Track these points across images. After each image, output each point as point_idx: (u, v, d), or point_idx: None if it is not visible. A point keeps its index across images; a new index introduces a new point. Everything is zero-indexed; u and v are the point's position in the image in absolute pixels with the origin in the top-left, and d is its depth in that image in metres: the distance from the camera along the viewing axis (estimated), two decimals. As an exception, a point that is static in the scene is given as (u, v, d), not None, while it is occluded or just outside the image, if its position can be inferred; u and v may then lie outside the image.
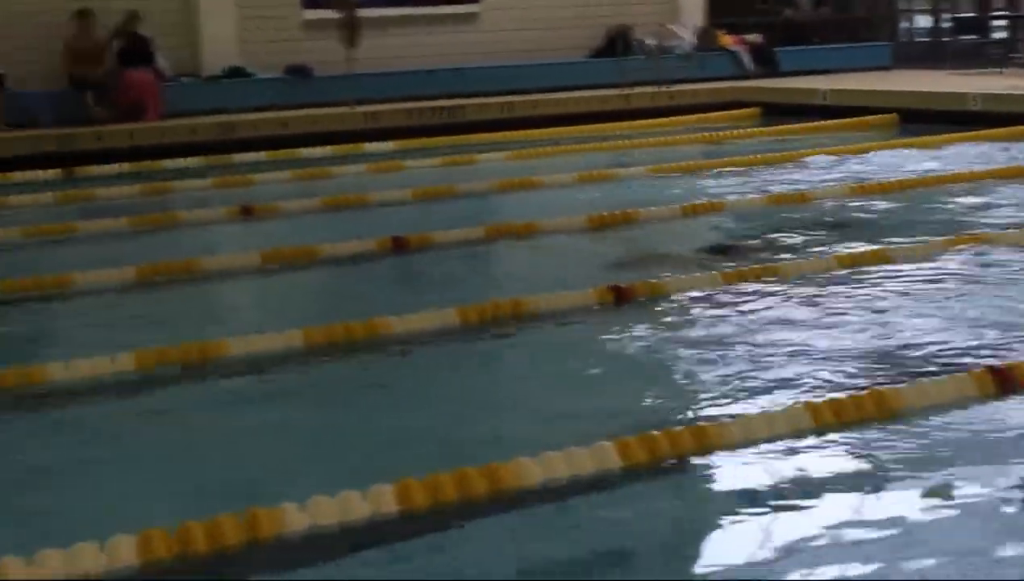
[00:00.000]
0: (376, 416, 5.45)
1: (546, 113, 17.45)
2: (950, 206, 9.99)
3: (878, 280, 7.40)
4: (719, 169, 12.44)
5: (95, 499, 4.57)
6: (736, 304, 6.99)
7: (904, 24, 24.28)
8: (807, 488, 4.41)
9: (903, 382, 5.36)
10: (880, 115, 15.92)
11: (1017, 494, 4.28)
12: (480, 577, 3.85)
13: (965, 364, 5.62)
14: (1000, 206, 9.81)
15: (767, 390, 5.43)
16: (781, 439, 4.77)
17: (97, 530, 3.96)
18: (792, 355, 5.95)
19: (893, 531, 4.02)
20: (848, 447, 4.77)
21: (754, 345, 6.13)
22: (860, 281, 7.40)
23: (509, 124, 16.76)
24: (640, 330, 6.58)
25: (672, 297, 7.16)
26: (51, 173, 13.76)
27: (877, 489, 4.40)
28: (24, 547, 3.84)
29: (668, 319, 6.79)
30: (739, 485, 4.48)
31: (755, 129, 16.16)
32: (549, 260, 8.24)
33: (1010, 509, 4.18)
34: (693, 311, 6.90)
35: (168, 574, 3.87)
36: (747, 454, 4.67)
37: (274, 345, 6.35)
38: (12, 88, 16.63)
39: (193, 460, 4.99)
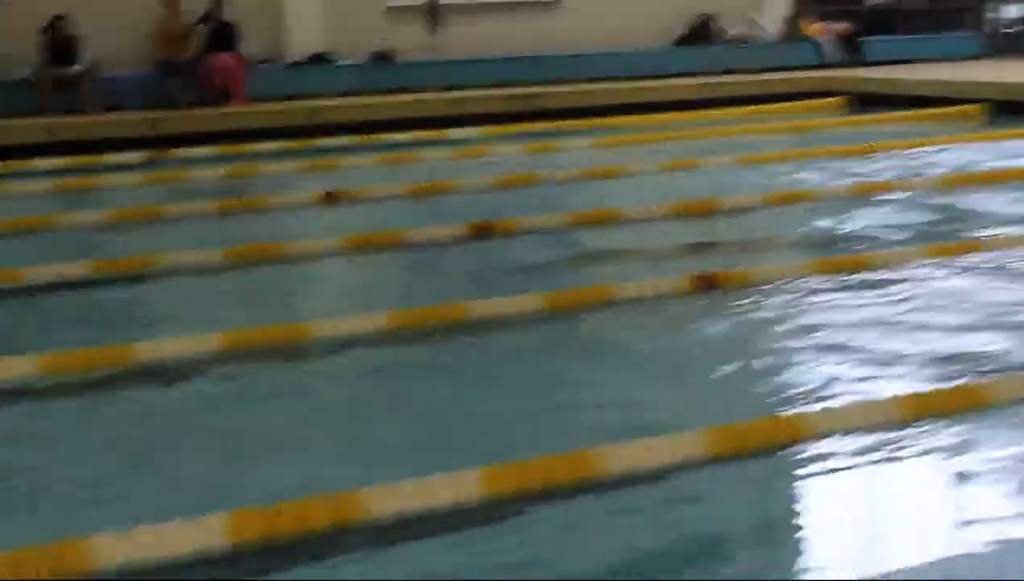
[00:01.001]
0: (460, 401, 5.46)
1: (628, 101, 17.41)
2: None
3: (969, 269, 7.32)
4: (803, 158, 12.33)
5: (189, 478, 4.63)
6: (822, 293, 6.94)
7: (991, 14, 23.91)
8: (895, 481, 4.38)
9: (1002, 373, 5.29)
10: (968, 105, 15.71)
11: None
12: (566, 563, 3.86)
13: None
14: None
15: (857, 380, 5.39)
16: (875, 430, 4.72)
17: (192, 509, 4.01)
18: (883, 345, 5.89)
19: (997, 525, 3.97)
20: (947, 439, 4.70)
21: (842, 335, 6.08)
22: (950, 270, 7.32)
23: (592, 112, 16.75)
24: (726, 319, 6.54)
25: (757, 286, 7.11)
26: (140, 156, 13.92)
27: (980, 483, 4.35)
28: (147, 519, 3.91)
29: (753, 308, 6.75)
30: (828, 476, 4.44)
31: (840, 119, 16.01)
32: (633, 248, 8.21)
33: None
34: (778, 300, 6.86)
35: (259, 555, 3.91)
36: (838, 445, 4.63)
37: (358, 328, 6.39)
38: (102, 72, 16.85)
39: (278, 444, 5.03)
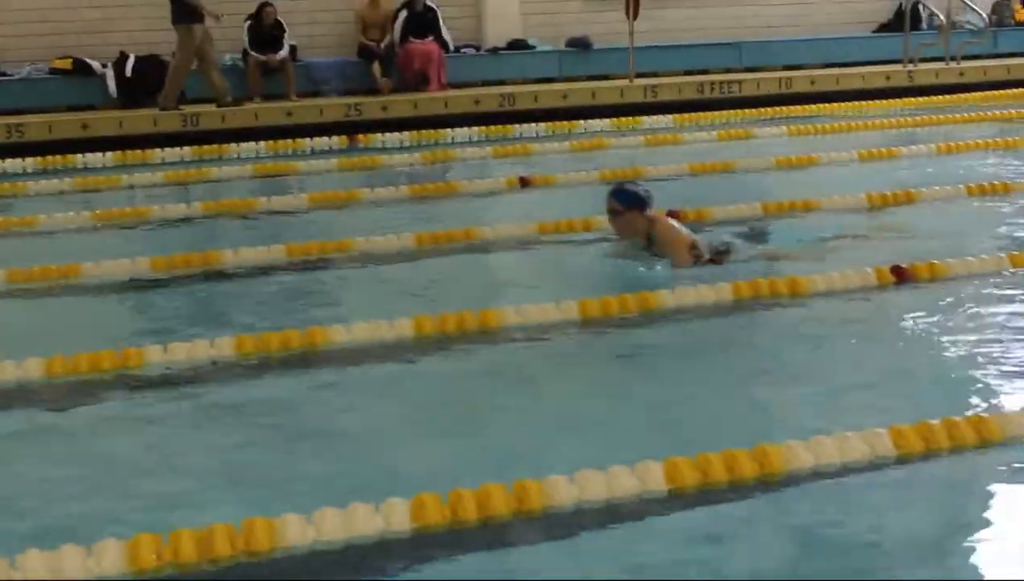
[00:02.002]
0: (644, 391, 5.45)
1: (825, 89, 17.11)
2: None
3: None
4: (1010, 149, 11.96)
5: (372, 461, 4.71)
6: (1021, 287, 6.73)
7: None
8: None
9: None
10: None
11: None
12: (744, 555, 3.83)
13: None
14: None
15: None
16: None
17: (373, 493, 4.08)
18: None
19: None
20: None
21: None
22: None
23: (787, 100, 16.50)
24: (921, 313, 6.40)
25: (955, 280, 6.93)
26: (337, 141, 14.19)
27: None
28: (303, 507, 3.99)
29: (950, 302, 6.58)
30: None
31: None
32: (827, 239, 8.07)
33: None
34: (977, 295, 6.67)
35: (439, 540, 3.95)
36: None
37: (549, 316, 6.41)
38: (303, 58, 17.24)
39: (467, 427, 5.08)
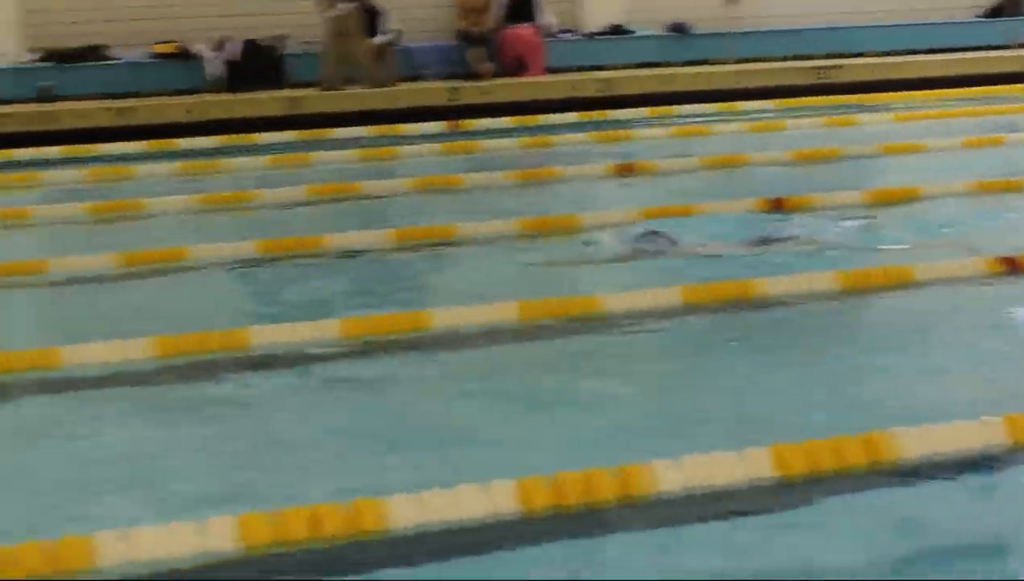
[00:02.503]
0: (754, 377, 5.42)
1: (931, 75, 16.87)
2: None
3: None
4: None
5: (478, 443, 4.74)
6: None
7: None
8: None
9: None
10: None
11: None
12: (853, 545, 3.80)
13: None
14: None
15: None
16: None
17: (479, 473, 4.10)
18: None
19: None
20: None
21: None
22: None
23: (892, 86, 16.30)
24: (1031, 304, 6.31)
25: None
26: (438, 125, 14.25)
27: None
28: (412, 486, 4.02)
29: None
30: None
31: None
32: (933, 228, 7.97)
33: None
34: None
35: (544, 523, 3.97)
36: None
37: (650, 302, 6.40)
38: (403, 43, 17.33)
39: (573, 410, 5.09)
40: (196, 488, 4.36)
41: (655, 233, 7.56)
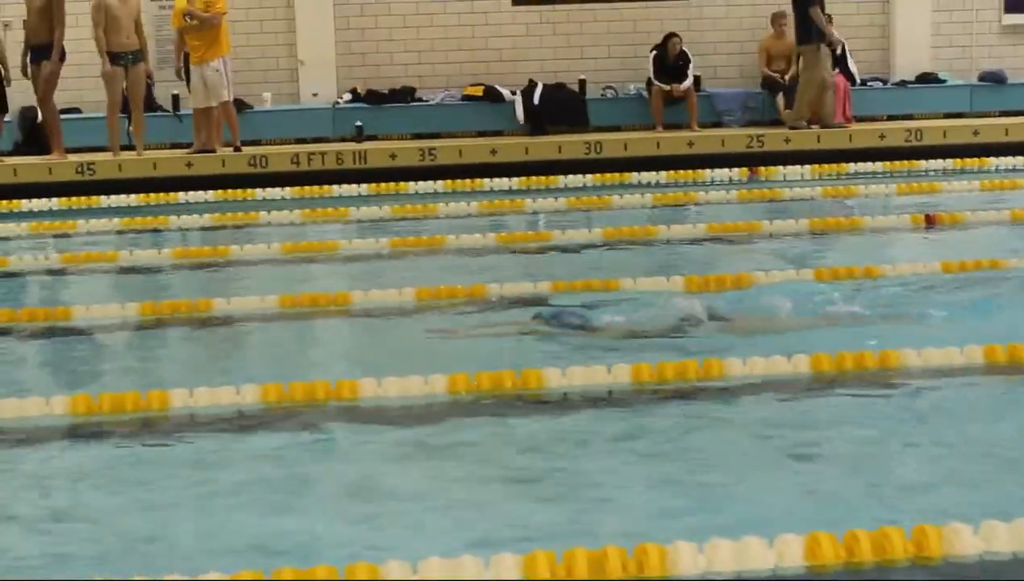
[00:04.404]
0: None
1: None
2: None
3: None
4: None
5: (763, 496, 4.65)
6: None
7: None
8: None
9: None
10: None
11: None
12: None
13: None
14: None
15: None
16: None
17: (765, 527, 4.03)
18: None
19: None
20: None
21: None
22: None
23: None
24: None
25: None
26: (738, 172, 14.16)
27: None
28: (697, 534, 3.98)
29: None
30: None
31: None
32: None
33: None
34: None
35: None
36: None
37: (954, 360, 6.18)
38: (706, 88, 17.32)
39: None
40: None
41: None
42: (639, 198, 12.81)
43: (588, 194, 13.10)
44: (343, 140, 16.53)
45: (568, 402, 5.88)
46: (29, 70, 14.80)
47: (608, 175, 14.14)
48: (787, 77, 17.03)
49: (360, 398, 5.88)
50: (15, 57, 14.97)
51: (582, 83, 17.30)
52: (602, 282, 8.33)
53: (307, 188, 13.92)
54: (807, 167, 14.31)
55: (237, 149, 15.21)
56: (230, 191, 13.79)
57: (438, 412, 5.76)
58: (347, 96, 17.41)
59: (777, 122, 16.71)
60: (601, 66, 17.68)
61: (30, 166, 14.93)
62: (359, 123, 16.64)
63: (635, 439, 5.34)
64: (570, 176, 14.05)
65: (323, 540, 4.27)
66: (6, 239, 11.78)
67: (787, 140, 15.73)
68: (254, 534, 4.33)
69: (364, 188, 13.87)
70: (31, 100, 15.68)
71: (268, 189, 13.81)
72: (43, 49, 14.56)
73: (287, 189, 13.83)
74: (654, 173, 14.18)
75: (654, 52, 16.97)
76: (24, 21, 14.80)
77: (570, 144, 15.57)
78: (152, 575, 3.80)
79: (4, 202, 13.38)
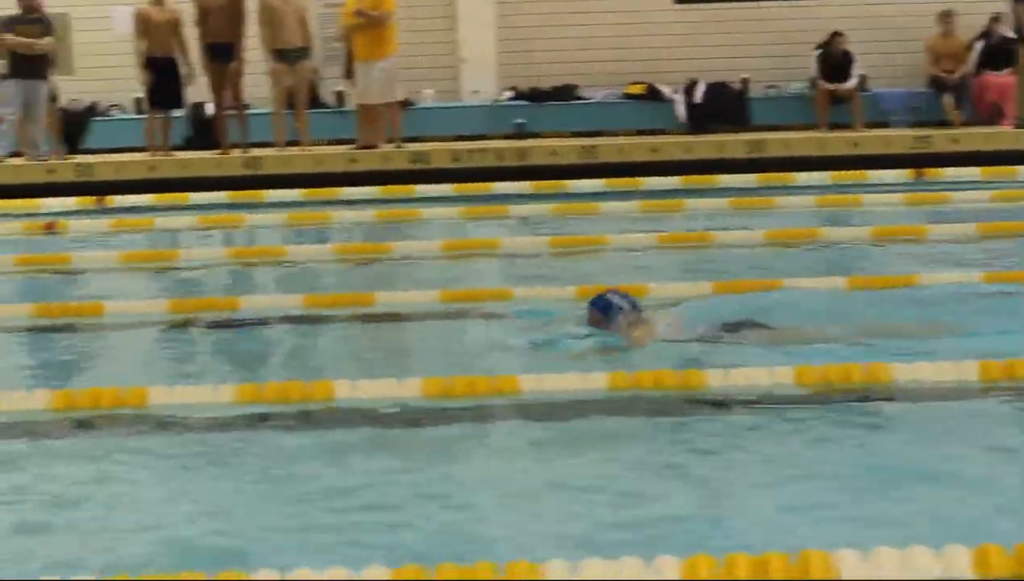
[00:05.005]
0: None
1: None
2: None
3: None
4: None
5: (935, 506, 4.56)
6: None
7: None
8: None
9: None
10: None
11: None
12: None
13: None
14: None
15: None
16: None
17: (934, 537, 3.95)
18: None
19: None
20: None
21: None
22: None
23: None
24: None
25: None
26: (904, 173, 13.89)
27: None
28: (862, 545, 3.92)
29: None
30: None
31: None
32: None
33: None
34: None
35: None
36: None
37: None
38: (871, 88, 17.05)
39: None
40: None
41: None
42: (801, 199, 12.64)
43: (750, 195, 12.95)
44: (503, 137, 16.61)
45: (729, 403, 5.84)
46: (208, 69, 15.22)
47: (770, 175, 13.97)
48: (956, 76, 16.67)
49: (520, 392, 5.89)
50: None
51: (744, 81, 17.17)
52: (763, 283, 8.23)
53: (467, 185, 14.00)
54: (976, 169, 13.96)
55: (398, 146, 15.39)
56: (391, 187, 13.94)
57: (597, 406, 5.76)
58: (508, 93, 17.51)
59: (944, 122, 16.36)
60: (764, 64, 17.53)
61: (200, 160, 15.32)
62: (520, 120, 16.70)
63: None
64: (731, 176, 13.93)
65: (490, 536, 4.30)
66: (176, 231, 12.09)
67: (955, 140, 15.38)
68: (418, 527, 4.37)
69: (524, 185, 13.90)
70: (201, 97, 16.11)
71: (429, 185, 13.93)
72: (225, 48, 14.95)
73: (447, 185, 13.93)
74: (817, 173, 13.96)
75: (819, 50, 16.76)
76: (198, 20, 15.16)
77: (732, 143, 15.44)
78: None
79: (175, 195, 13.71)
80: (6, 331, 7.91)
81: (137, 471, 5.11)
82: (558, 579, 3.78)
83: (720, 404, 5.81)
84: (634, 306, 6.78)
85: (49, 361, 7.39)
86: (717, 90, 16.97)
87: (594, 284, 8.21)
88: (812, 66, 16.75)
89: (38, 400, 5.96)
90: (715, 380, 5.93)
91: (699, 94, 16.86)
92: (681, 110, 16.87)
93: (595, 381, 5.96)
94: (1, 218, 12.96)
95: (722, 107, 16.79)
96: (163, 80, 15.19)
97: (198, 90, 15.88)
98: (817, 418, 5.60)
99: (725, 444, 5.26)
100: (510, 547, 4.10)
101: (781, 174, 14.00)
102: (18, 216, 13.05)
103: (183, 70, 15.23)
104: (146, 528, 4.38)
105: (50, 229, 10.27)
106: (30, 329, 7.99)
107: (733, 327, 6.83)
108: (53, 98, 15.62)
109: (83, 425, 5.75)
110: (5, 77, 15.31)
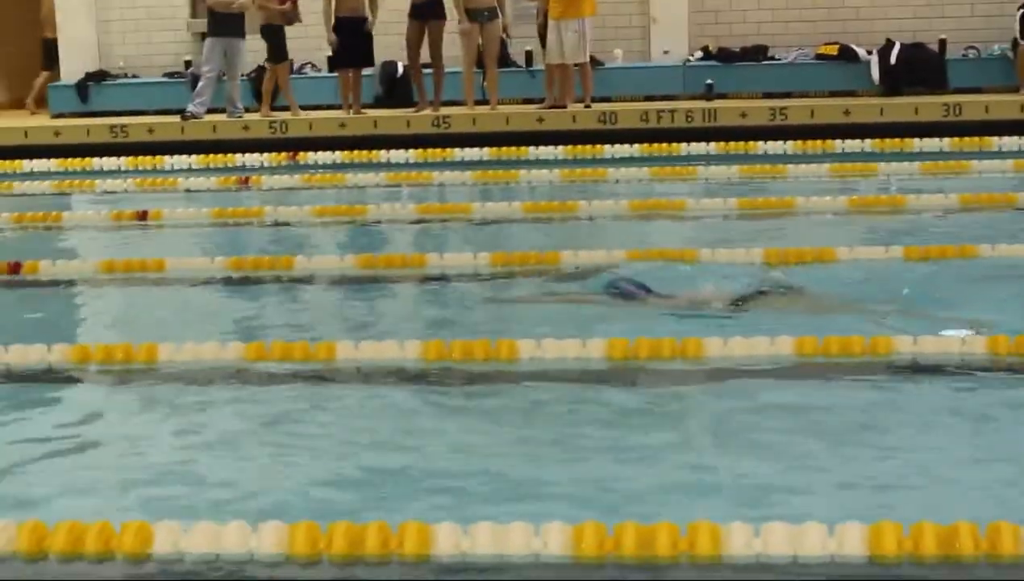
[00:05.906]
0: None
1: None
2: None
3: None
4: None
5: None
6: None
7: None
8: None
9: None
10: None
11: None
12: None
13: None
14: None
15: None
16: None
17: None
18: None
19: None
20: None
21: None
22: None
23: None
24: None
25: None
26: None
27: None
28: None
29: None
30: None
31: None
32: None
33: None
34: None
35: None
36: None
37: None
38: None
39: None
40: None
41: None
42: (999, 164, 12.26)
43: (945, 159, 12.60)
44: (692, 98, 16.47)
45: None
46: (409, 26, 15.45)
47: (967, 139, 13.56)
48: None
49: (704, 357, 5.87)
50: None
51: (942, 43, 16.68)
52: (957, 249, 8.02)
53: (655, 145, 13.92)
54: None
55: (587, 106, 15.38)
56: (579, 147, 13.94)
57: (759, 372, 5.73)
58: (698, 54, 17.34)
59: None
60: (963, 25, 17.02)
61: (389, 118, 15.53)
62: (710, 81, 16.54)
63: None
64: (926, 139, 13.57)
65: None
66: (365, 188, 12.28)
67: None
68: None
69: (713, 147, 13.75)
70: (392, 55, 16.32)
71: (617, 145, 13.89)
72: (428, 6, 15.23)
73: (635, 146, 13.87)
74: (1017, 138, 13.51)
75: (1021, 10, 16.19)
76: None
77: (927, 106, 15.04)
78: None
79: (365, 153, 13.93)
80: (202, 283, 8.13)
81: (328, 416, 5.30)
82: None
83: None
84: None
85: (238, 313, 7.59)
86: (913, 51, 16.52)
87: (782, 247, 8.14)
88: (1014, 27, 16.19)
89: (232, 351, 6.15)
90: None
91: (894, 55, 16.43)
92: (875, 71, 16.47)
93: (783, 345, 5.92)
94: (201, 173, 13.37)
95: (918, 69, 16.33)
96: (353, 40, 15.43)
97: (388, 49, 16.07)
98: None
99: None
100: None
101: (978, 138, 13.58)
102: (216, 170, 13.44)
103: (370, 26, 15.46)
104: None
105: (142, 218, 10.24)
106: (224, 281, 8.21)
107: None
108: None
109: (274, 378, 5.90)
110: (205, 36, 15.74)
